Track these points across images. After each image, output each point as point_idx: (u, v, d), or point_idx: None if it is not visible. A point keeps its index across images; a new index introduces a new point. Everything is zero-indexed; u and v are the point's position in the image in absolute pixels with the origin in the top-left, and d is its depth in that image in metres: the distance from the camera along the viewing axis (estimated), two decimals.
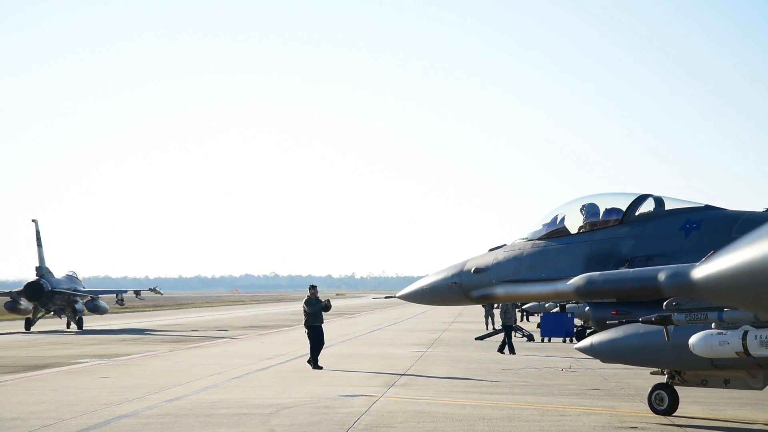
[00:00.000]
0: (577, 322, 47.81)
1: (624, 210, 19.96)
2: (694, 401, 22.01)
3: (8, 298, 65.43)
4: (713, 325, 16.86)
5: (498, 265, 20.85)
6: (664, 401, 19.50)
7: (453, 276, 21.62)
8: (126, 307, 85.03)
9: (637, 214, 19.84)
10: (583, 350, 20.06)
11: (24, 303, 64.33)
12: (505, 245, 21.37)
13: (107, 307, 71.64)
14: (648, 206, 19.99)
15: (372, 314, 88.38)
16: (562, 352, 39.01)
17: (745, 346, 16.48)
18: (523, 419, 19.03)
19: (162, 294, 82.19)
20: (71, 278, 67.94)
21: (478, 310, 75.65)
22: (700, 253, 17.50)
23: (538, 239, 20.63)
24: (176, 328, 66.67)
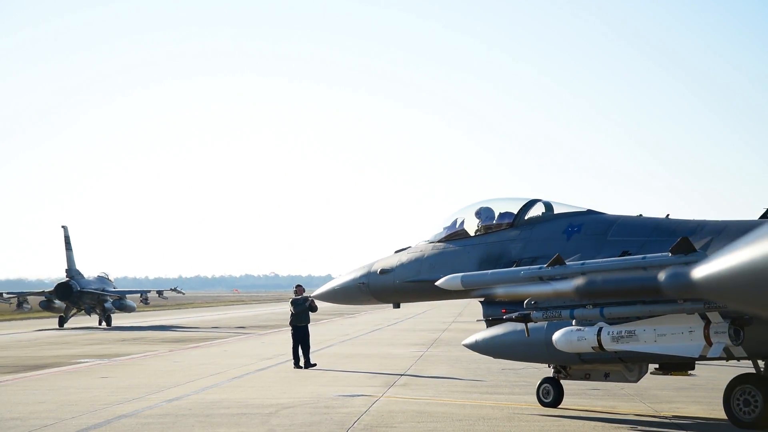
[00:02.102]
0: None
1: (515, 214, 21.03)
2: (694, 401, 22.03)
3: (43, 298, 71.25)
4: (574, 322, 17.82)
5: (402, 266, 21.80)
6: (550, 394, 20.53)
7: (361, 276, 22.55)
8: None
9: (526, 218, 20.91)
10: (469, 347, 20.99)
11: (57, 302, 70.02)
12: (409, 247, 22.28)
13: (134, 305, 77.49)
14: (537, 210, 21.03)
15: (372, 314, 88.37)
16: None
17: (599, 341, 17.52)
18: (523, 419, 19.03)
19: (184, 293, 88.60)
20: (102, 279, 73.85)
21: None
22: (580, 255, 18.75)
23: (438, 241, 21.66)
24: (198, 324, 69.99)
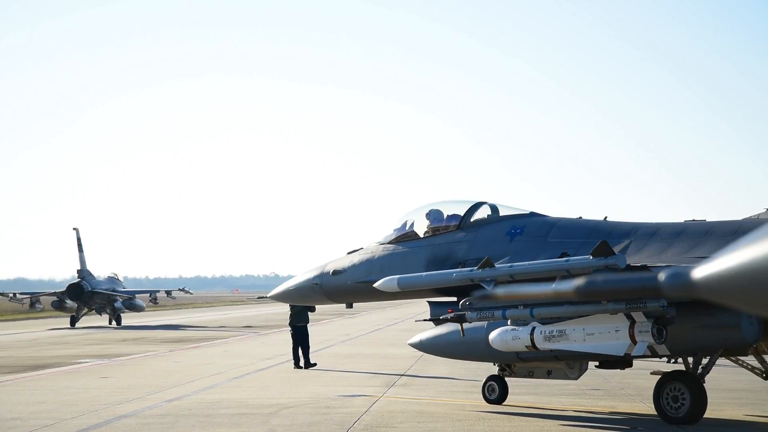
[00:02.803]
0: None
1: (462, 216, 21.54)
2: None
3: (55, 298, 73.40)
4: (509, 321, 18.56)
5: (353, 267, 22.25)
6: (495, 391, 21.18)
7: (315, 277, 23.00)
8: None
9: (472, 220, 21.47)
10: (414, 346, 21.72)
11: (69, 302, 72.12)
12: (362, 248, 22.76)
13: (144, 305, 79.36)
14: (483, 213, 21.60)
15: (372, 314, 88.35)
16: None
17: (532, 340, 18.20)
18: (523, 419, 19.03)
19: (192, 293, 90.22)
20: (112, 280, 75.76)
21: None
22: (522, 256, 19.27)
23: (389, 243, 22.19)
24: (205, 324, 70.99)
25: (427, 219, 21.98)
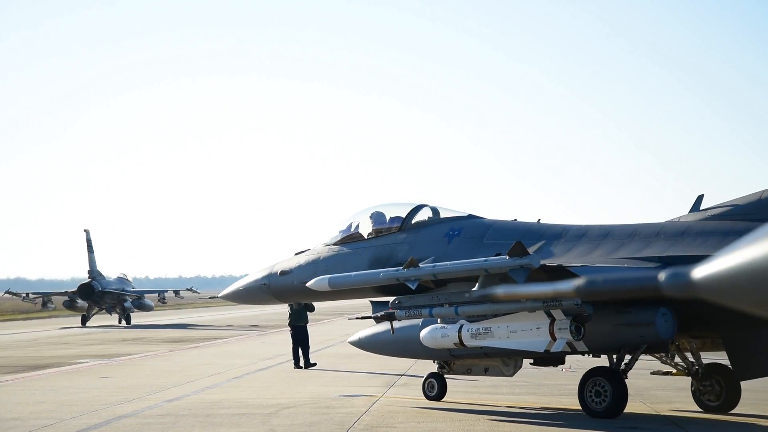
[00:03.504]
0: None
1: (403, 218, 22.25)
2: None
3: (66, 298, 75.61)
4: (439, 320, 19.42)
5: (300, 268, 22.77)
6: (434, 388, 21.90)
7: (263, 278, 23.52)
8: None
9: (413, 222, 22.18)
10: (353, 344, 22.55)
11: (79, 302, 74.31)
12: (308, 249, 23.33)
13: (152, 304, 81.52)
14: (423, 215, 22.32)
15: None
16: None
17: (460, 337, 19.03)
18: (523, 419, 19.03)
19: (199, 294, 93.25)
20: (121, 280, 77.83)
21: None
22: (459, 257, 19.84)
23: (334, 244, 22.81)
24: (213, 323, 72.50)
25: (371, 221, 22.61)
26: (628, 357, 19.09)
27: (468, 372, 21.18)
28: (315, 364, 31.45)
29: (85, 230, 76.14)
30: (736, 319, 17.50)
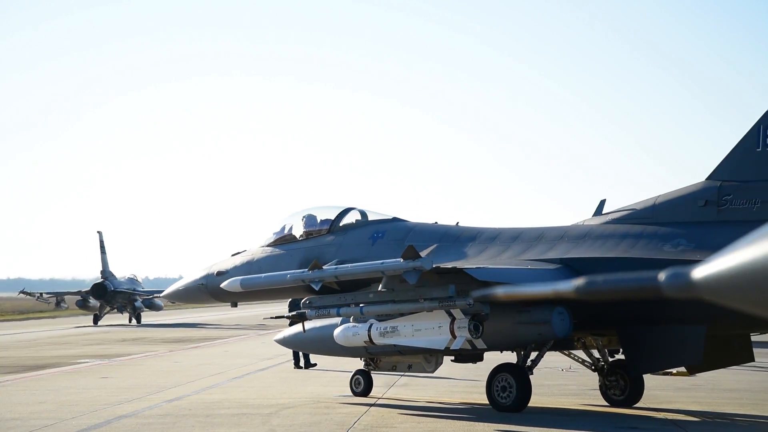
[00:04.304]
0: None
1: (332, 220, 23.23)
2: (694, 401, 22.03)
3: (79, 297, 77.68)
4: (351, 318, 20.30)
5: (235, 269, 23.52)
6: (360, 384, 22.63)
7: (201, 278, 24.31)
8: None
9: (341, 224, 23.15)
10: (279, 342, 23.39)
11: (92, 301, 76.20)
12: (245, 250, 24.17)
13: (162, 304, 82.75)
14: (351, 218, 23.30)
15: None
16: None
17: (370, 336, 19.92)
18: (523, 418, 19.02)
19: None
20: (132, 280, 79.75)
21: None
22: (383, 258, 20.46)
23: (268, 245, 23.71)
24: (220, 322, 73.58)
25: (303, 223, 23.57)
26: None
27: (393, 369, 21.88)
28: (315, 365, 31.45)
29: (98, 232, 77.80)
30: (631, 318, 18.69)
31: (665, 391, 24.13)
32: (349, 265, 20.23)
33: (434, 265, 18.60)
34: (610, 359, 21.63)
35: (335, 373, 29.60)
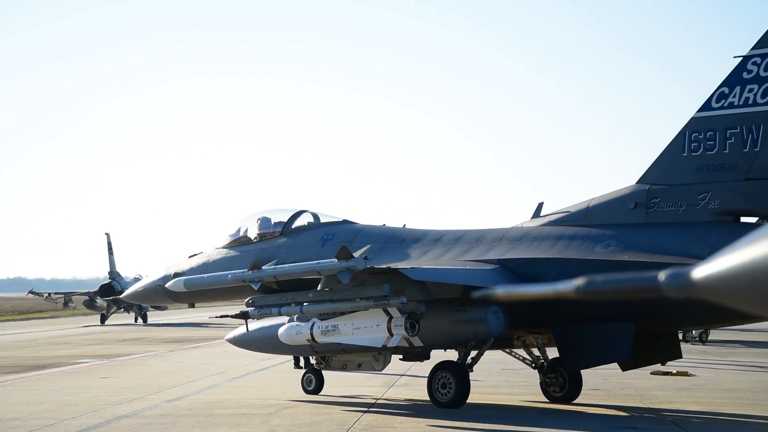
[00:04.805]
0: None
1: (285, 222, 23.90)
2: (694, 401, 22.02)
3: (87, 297, 79.22)
4: (296, 317, 20.86)
5: (192, 270, 24.08)
6: (312, 383, 23.21)
7: (159, 279, 24.80)
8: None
9: (293, 226, 23.84)
10: (229, 341, 23.80)
11: (99, 301, 77.71)
12: (201, 252, 24.81)
13: (167, 305, 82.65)
14: (303, 220, 23.99)
15: None
16: None
17: (312, 334, 20.55)
18: (523, 418, 19.03)
19: None
20: (138, 280, 77.70)
21: None
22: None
23: (223, 247, 24.39)
24: (226, 321, 74.15)
25: (257, 225, 24.20)
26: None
27: (344, 368, 22.42)
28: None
29: (106, 233, 78.62)
30: (565, 316, 19.41)
31: (665, 391, 24.13)
32: (287, 265, 20.99)
33: (368, 265, 19.22)
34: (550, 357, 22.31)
35: (335, 373, 29.57)
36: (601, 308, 18.57)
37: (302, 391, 23.72)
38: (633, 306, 18.09)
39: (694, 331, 45.74)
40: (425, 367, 30.85)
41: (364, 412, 19.86)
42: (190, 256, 24.86)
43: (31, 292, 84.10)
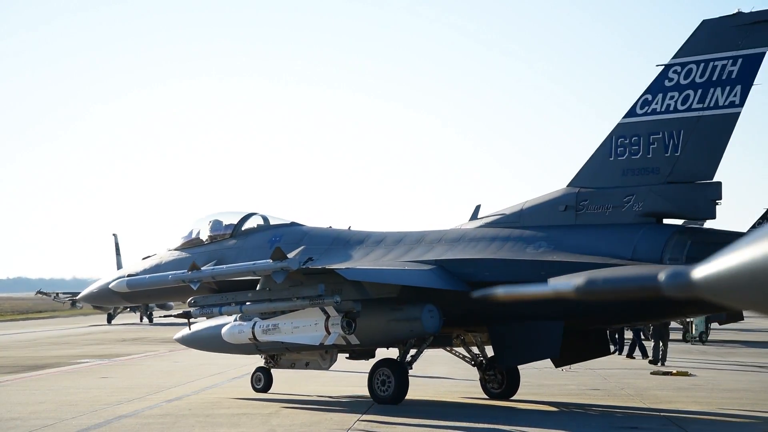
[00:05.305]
0: None
1: (235, 225, 24.47)
2: (694, 401, 22.03)
3: None
4: (238, 317, 21.38)
5: (144, 271, 24.42)
6: (261, 381, 23.57)
7: (110, 281, 24.85)
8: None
9: (243, 228, 24.42)
10: (178, 341, 24.08)
11: None
12: (155, 254, 25.29)
13: (173, 304, 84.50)
14: (253, 222, 24.56)
15: None
16: None
17: (254, 333, 21.14)
18: (523, 418, 19.03)
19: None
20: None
21: None
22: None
23: (175, 249, 24.83)
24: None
25: (209, 227, 24.70)
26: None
27: (292, 366, 23.03)
28: None
29: (113, 234, 79.27)
30: (498, 315, 20.21)
31: (665, 391, 24.13)
32: (225, 266, 21.58)
33: (303, 266, 19.85)
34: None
35: (335, 373, 29.58)
36: (531, 307, 19.36)
37: (302, 391, 23.72)
38: (562, 305, 18.60)
39: (694, 331, 45.81)
40: (425, 368, 30.89)
41: (364, 411, 19.86)
42: (143, 258, 25.40)
43: (39, 292, 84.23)
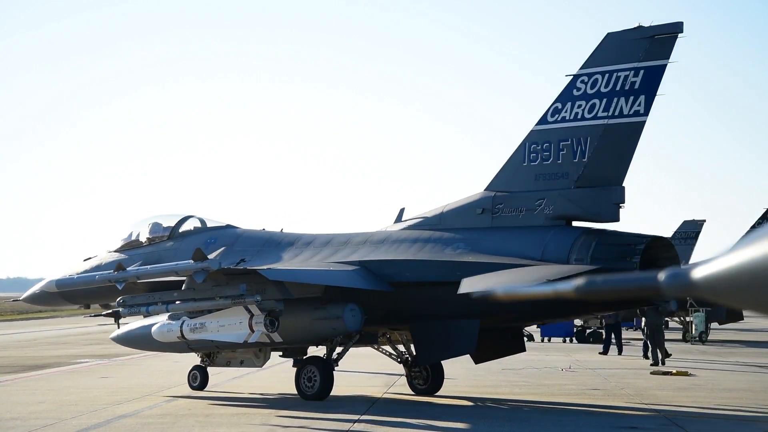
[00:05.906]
0: (577, 322, 47.78)
1: (173, 227, 25.08)
2: (694, 401, 22.03)
3: None
4: (167, 315, 21.64)
5: (84, 272, 24.69)
6: (197, 379, 24.06)
7: (47, 282, 25.06)
8: None
9: (180, 231, 25.03)
10: (113, 340, 24.66)
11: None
12: (96, 256, 25.72)
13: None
14: (190, 225, 25.22)
15: None
16: (562, 352, 39.03)
17: (182, 332, 21.41)
18: (523, 419, 19.03)
19: None
20: None
21: None
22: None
23: (115, 251, 25.39)
24: None
25: (147, 229, 25.28)
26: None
27: (228, 364, 23.58)
28: None
29: None
30: (418, 314, 20.97)
31: (665, 391, 24.13)
32: (149, 266, 22.04)
33: (226, 267, 20.44)
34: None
35: (335, 373, 29.56)
36: (448, 306, 20.24)
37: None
38: (475, 304, 19.19)
39: (694, 331, 45.82)
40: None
41: (364, 411, 19.86)
42: (84, 260, 25.75)
43: None
